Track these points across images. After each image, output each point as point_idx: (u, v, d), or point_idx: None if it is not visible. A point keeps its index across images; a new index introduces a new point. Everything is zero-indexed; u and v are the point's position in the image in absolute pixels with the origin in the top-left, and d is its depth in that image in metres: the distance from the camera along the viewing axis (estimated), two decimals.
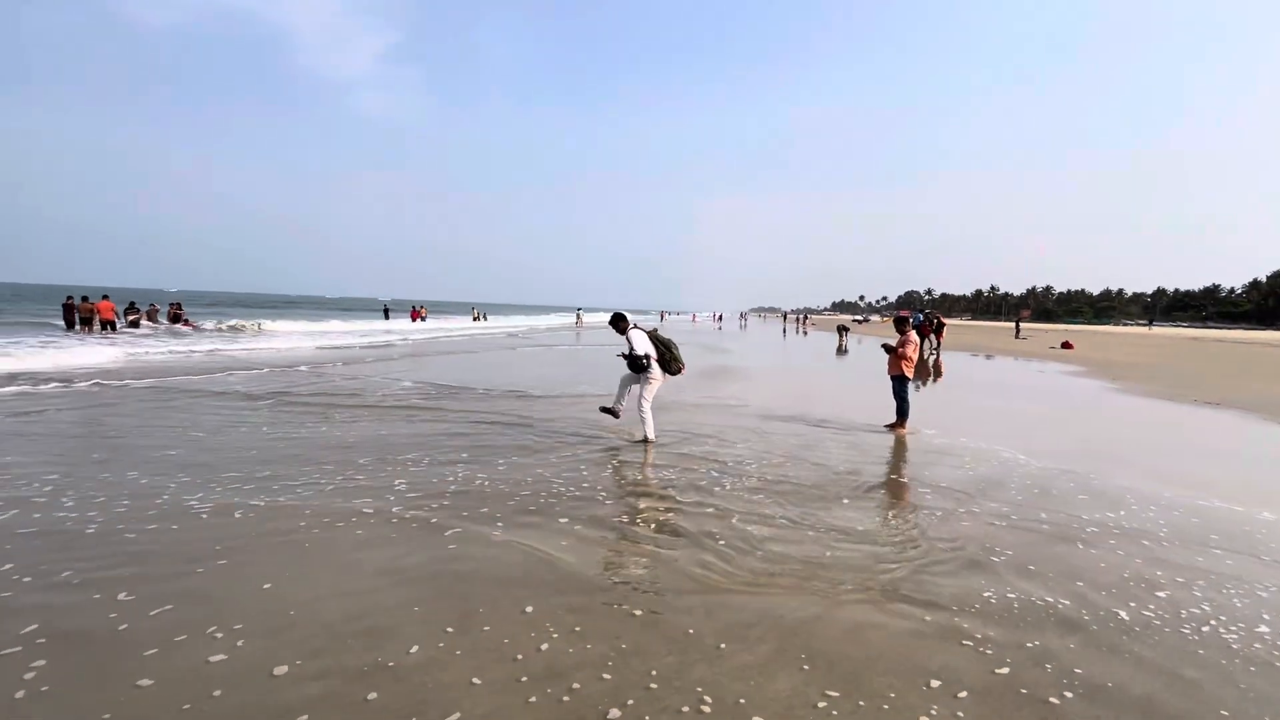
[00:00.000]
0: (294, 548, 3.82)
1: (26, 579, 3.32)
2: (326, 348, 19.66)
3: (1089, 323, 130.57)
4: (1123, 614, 3.25)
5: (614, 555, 3.81)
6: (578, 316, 52.40)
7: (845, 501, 5.02)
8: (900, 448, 7.15)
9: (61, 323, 23.10)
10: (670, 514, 4.58)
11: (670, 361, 6.97)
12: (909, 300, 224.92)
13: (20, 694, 2.40)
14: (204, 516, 4.34)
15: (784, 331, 47.95)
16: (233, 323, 26.48)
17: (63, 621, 2.92)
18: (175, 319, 25.29)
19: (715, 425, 7.95)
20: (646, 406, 6.87)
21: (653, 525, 4.35)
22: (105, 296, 23.91)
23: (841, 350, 26.05)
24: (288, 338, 22.22)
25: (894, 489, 5.49)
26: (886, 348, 8.39)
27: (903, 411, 8.03)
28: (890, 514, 4.78)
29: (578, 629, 2.95)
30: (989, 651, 2.84)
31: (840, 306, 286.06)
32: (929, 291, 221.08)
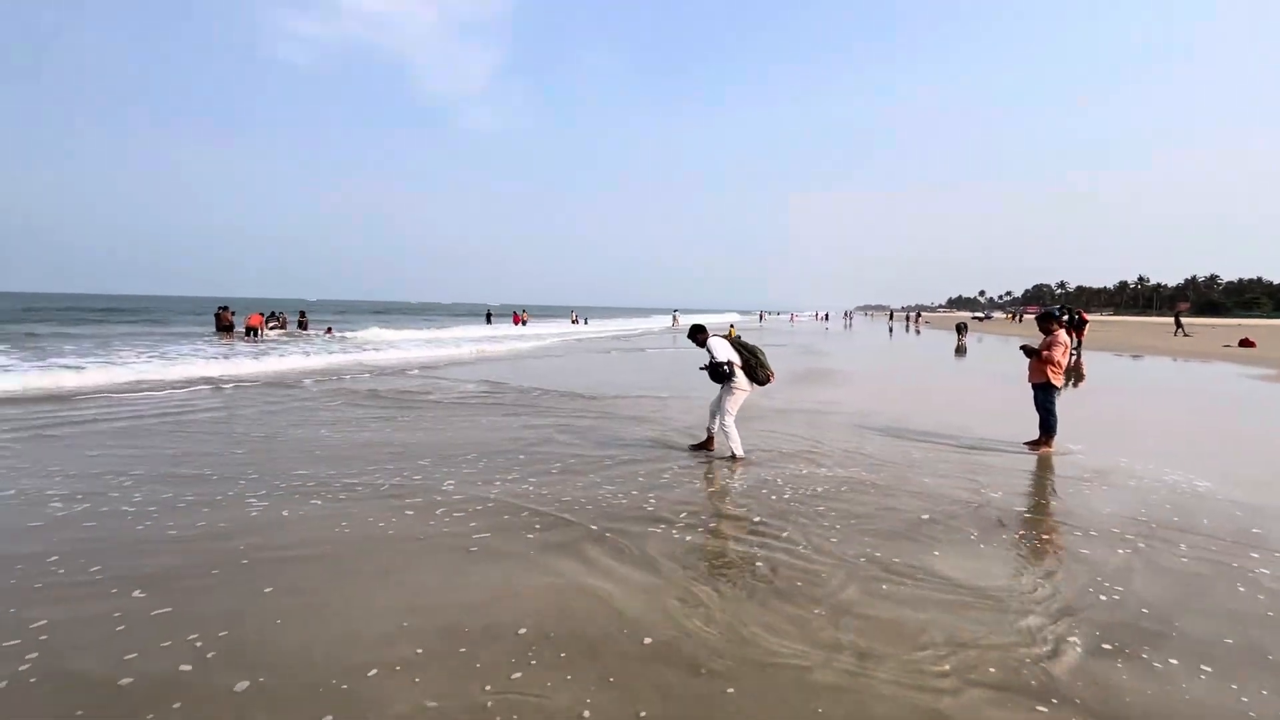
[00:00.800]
0: (316, 553, 3.65)
1: (61, 570, 3.35)
2: (434, 353, 20.05)
3: (1268, 316, 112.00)
4: None
5: (654, 593, 3.19)
6: (673, 318, 52.17)
7: (969, 544, 3.94)
8: (1043, 471, 5.87)
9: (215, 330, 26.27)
10: (738, 549, 3.85)
11: (757, 368, 6.16)
12: (1038, 295, 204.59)
13: (3, 684, 2.38)
14: (253, 515, 4.31)
15: (890, 330, 44.83)
16: (359, 332, 28.23)
17: (71, 616, 2.88)
18: (302, 325, 27.83)
19: (808, 438, 7.05)
20: (729, 420, 6.10)
21: (713, 562, 3.64)
22: (260, 313, 27.16)
23: (960, 350, 23.74)
24: (405, 346, 22.66)
25: (1035, 527, 4.31)
26: (1028, 350, 6.98)
27: (1048, 426, 6.69)
28: (1031, 564, 3.67)
29: (564, 655, 2.53)
30: None
31: (957, 303, 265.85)
32: (1061, 285, 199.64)
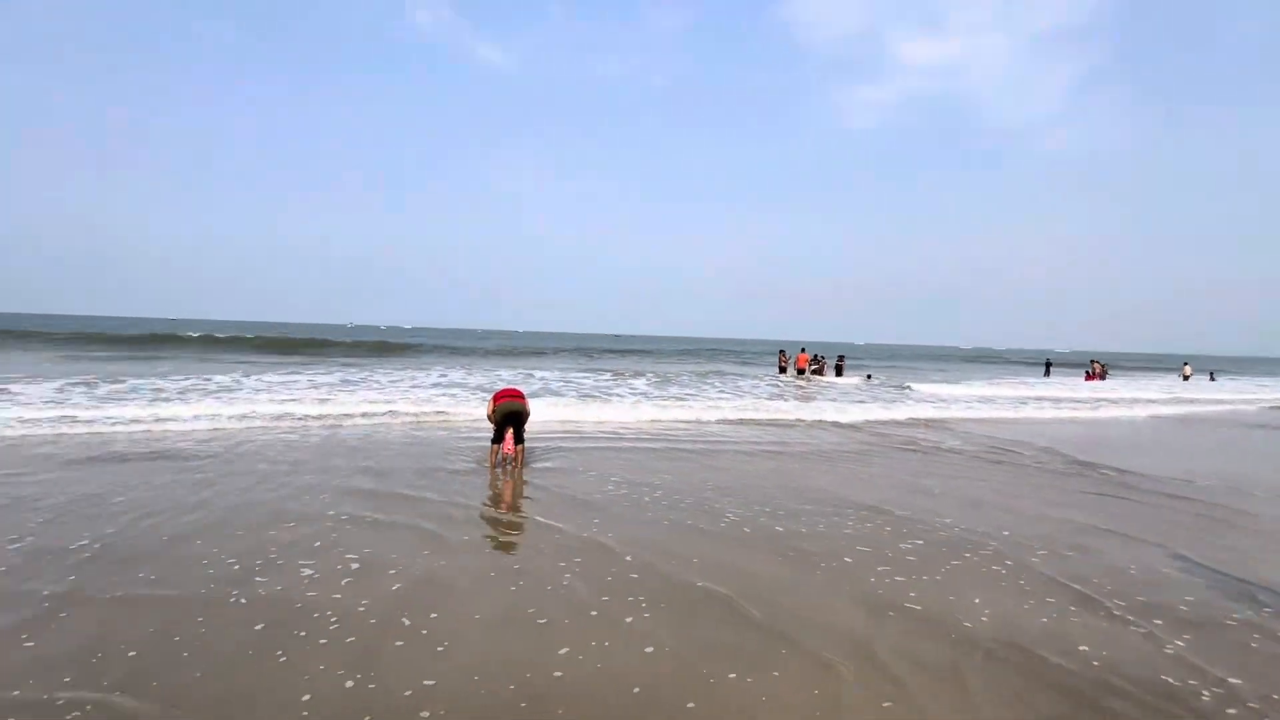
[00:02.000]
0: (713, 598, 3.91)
1: (599, 521, 4.78)
2: (989, 413, 16.04)
3: None
4: None
5: None
6: None
7: None
8: None
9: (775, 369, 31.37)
10: None
11: None
12: None
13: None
14: (722, 525, 5.14)
15: None
16: (914, 384, 25.43)
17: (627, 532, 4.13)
18: (838, 370, 29.91)
19: None
20: None
21: None
22: (802, 349, 31.07)
23: None
24: (958, 403, 18.25)
25: None
26: None
27: None
28: None
29: None
30: None
31: None
32: None
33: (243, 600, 3.56)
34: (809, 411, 13.82)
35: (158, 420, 9.34)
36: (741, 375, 30.35)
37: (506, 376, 19.23)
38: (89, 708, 2.54)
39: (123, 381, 13.35)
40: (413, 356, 32.82)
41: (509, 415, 7.11)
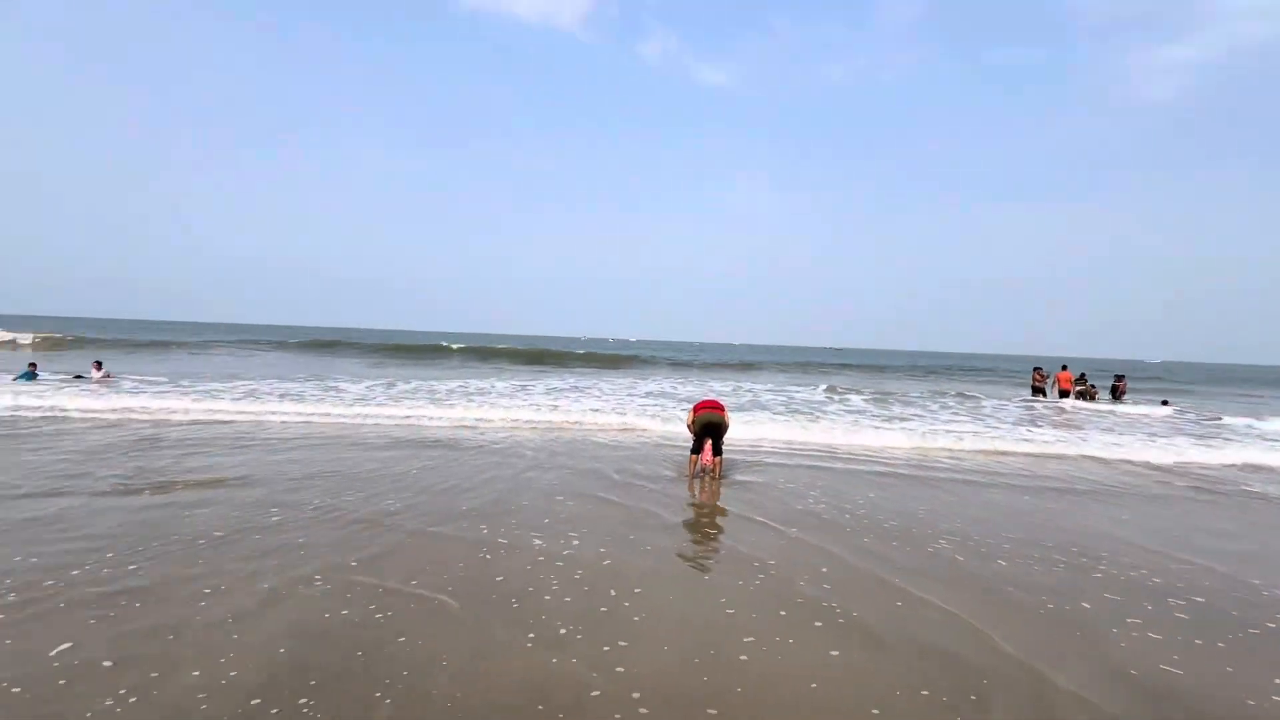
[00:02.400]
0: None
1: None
2: None
3: None
4: None
5: None
6: None
7: None
8: None
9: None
10: None
11: None
12: None
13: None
14: (940, 549, 4.67)
15: None
16: (1223, 416, 18.80)
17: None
18: (1115, 394, 24.63)
19: None
20: None
21: None
22: (1064, 367, 26.23)
23: None
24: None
25: None
26: None
27: None
28: None
29: None
30: None
31: None
32: None
33: (488, 556, 4.39)
34: (1070, 443, 11.27)
35: (430, 418, 11.56)
36: (984, 396, 26.88)
37: (717, 388, 19.75)
38: (388, 594, 3.44)
39: (409, 383, 16.86)
40: (635, 368, 35.36)
41: (708, 426, 7.11)
